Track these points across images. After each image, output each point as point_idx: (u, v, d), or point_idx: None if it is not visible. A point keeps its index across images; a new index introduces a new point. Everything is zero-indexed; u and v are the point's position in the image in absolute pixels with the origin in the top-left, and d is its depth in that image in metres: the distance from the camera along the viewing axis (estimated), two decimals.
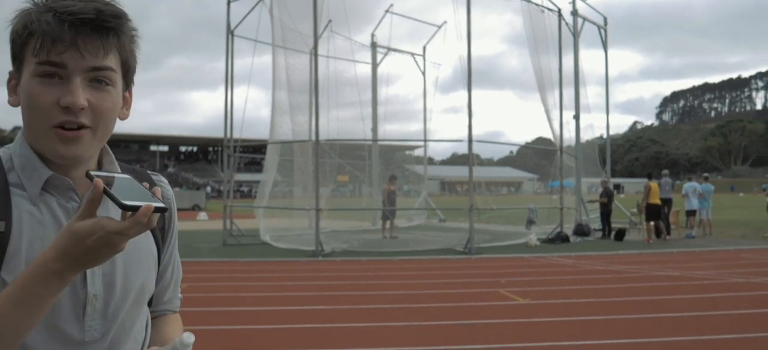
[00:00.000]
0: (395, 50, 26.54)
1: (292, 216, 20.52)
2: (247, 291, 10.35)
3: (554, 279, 11.26)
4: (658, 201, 18.71)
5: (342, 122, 22.38)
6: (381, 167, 26.49)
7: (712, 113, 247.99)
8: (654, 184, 19.05)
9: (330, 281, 11.27)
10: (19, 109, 1.23)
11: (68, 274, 1.08)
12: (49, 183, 1.23)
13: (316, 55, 16.48)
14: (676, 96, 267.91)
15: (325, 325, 7.55)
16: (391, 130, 26.08)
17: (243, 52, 20.45)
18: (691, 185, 20.27)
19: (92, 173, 1.09)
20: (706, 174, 24.06)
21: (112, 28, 1.20)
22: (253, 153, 58.22)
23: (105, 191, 1.05)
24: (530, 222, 20.62)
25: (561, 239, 17.82)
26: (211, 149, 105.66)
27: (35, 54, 1.17)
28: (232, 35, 19.07)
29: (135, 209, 1.05)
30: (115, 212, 1.12)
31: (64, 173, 1.24)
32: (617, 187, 23.85)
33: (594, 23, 24.19)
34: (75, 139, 1.19)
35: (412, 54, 27.37)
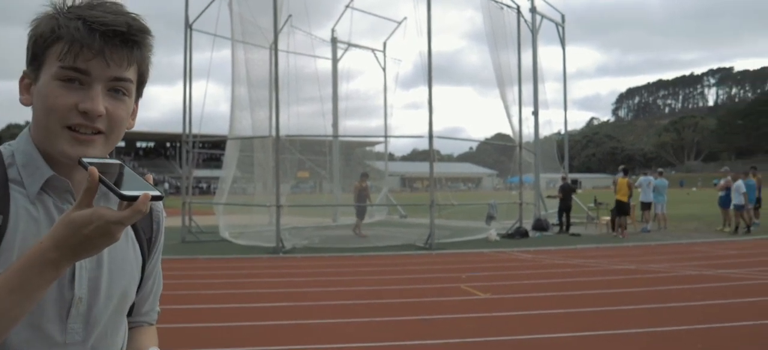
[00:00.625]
0: (356, 46, 26.54)
1: (252, 213, 20.36)
2: (207, 288, 10.25)
3: (514, 274, 11.39)
4: (624, 199, 18.99)
5: (302, 117, 22.30)
6: (342, 163, 26.46)
7: (666, 110, 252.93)
8: (623, 180, 19.36)
9: (291, 277, 11.21)
10: (13, 108, 1.24)
11: (64, 263, 1.09)
12: (48, 183, 1.24)
13: (276, 50, 16.38)
14: (631, 92, 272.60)
15: (287, 322, 7.51)
16: (351, 126, 26.13)
17: (202, 46, 20.21)
18: (646, 179, 20.71)
19: (85, 160, 1.09)
20: (660, 169, 24.59)
21: (137, 42, 1.24)
22: (211, 149, 57.65)
23: (101, 180, 1.06)
24: (490, 218, 20.81)
25: (520, 234, 18.03)
26: (169, 144, 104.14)
27: (60, 58, 1.19)
28: (191, 29, 18.82)
29: (134, 198, 1.05)
30: (113, 200, 1.15)
31: (65, 175, 1.26)
32: (575, 182, 24.22)
33: (552, 20, 24.47)
34: (88, 142, 1.21)
35: (373, 50, 27.38)
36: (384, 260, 13.36)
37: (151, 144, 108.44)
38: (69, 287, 1.23)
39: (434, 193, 16.55)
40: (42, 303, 1.18)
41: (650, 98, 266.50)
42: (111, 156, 1.25)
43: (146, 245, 1.43)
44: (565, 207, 20.44)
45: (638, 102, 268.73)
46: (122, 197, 1.05)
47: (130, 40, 1.22)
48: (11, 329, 1.11)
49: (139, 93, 1.32)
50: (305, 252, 14.84)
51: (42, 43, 1.22)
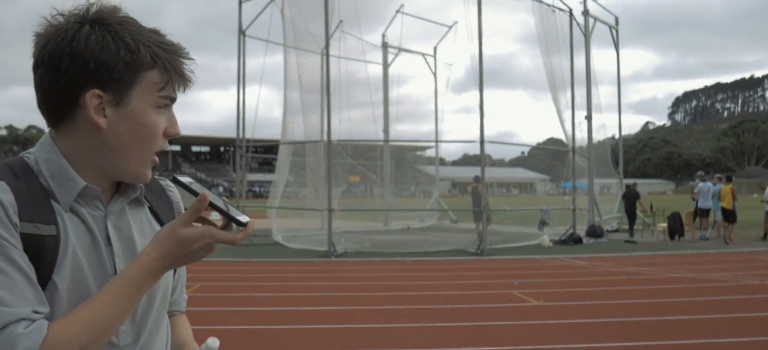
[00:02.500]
0: (406, 50, 26.55)
1: (304, 216, 20.54)
2: (260, 291, 10.37)
3: (567, 281, 11.22)
4: (729, 206, 18.68)
5: (354, 122, 22.40)
6: (392, 167, 26.49)
7: (725, 113, 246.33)
8: (727, 187, 19.04)
9: (343, 281, 11.27)
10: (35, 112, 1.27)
11: (164, 272, 1.22)
12: (80, 193, 1.26)
13: (327, 55, 16.50)
14: (688, 96, 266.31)
15: (338, 326, 7.54)
16: (402, 130, 26.10)
17: (255, 51, 20.53)
18: (705, 185, 20.12)
19: (180, 178, 1.23)
20: (719, 175, 23.90)
21: None
22: (265, 153, 58.39)
23: (211, 205, 1.19)
24: (543, 223, 20.57)
25: (574, 240, 17.75)
26: (223, 149, 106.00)
27: (160, 89, 1.26)
28: (244, 35, 19.14)
29: (245, 224, 1.20)
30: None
31: (95, 183, 1.28)
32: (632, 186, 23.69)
33: (605, 23, 24.09)
34: (153, 162, 1.31)
35: (423, 54, 27.37)
36: (435, 266, 13.31)
37: (206, 149, 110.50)
38: None
39: (486, 198, 16.42)
40: None
41: (708, 102, 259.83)
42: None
43: None
44: (627, 212, 20.32)
45: (696, 106, 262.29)
46: (239, 223, 1.20)
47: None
48: (118, 327, 1.21)
49: None
50: (357, 257, 14.89)
51: (135, 67, 1.22)
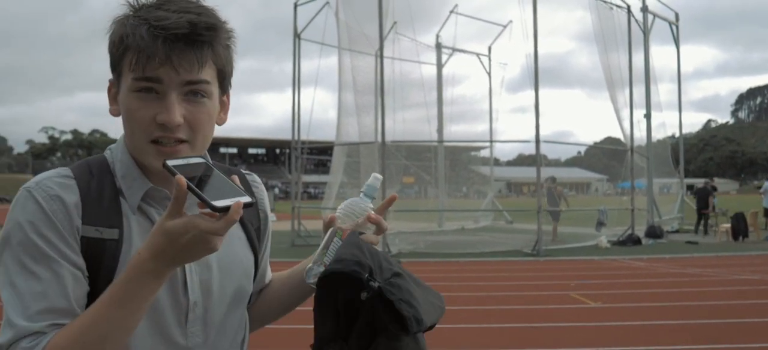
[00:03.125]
0: (460, 51, 26.44)
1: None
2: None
3: (626, 282, 11.00)
4: None
5: (408, 123, 22.37)
6: (447, 168, 26.40)
7: None
8: None
9: None
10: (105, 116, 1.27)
11: (164, 272, 1.09)
12: (147, 194, 1.24)
13: (381, 56, 16.56)
14: (752, 93, 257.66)
15: None
16: (456, 131, 25.95)
17: (309, 54, 20.74)
18: None
19: (169, 163, 1.08)
20: None
21: (206, 41, 1.18)
22: (319, 155, 58.95)
23: (190, 188, 1.03)
24: (600, 224, 20.19)
25: (632, 241, 17.40)
26: (278, 150, 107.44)
27: (132, 70, 1.16)
28: (299, 38, 19.36)
29: (226, 209, 1.03)
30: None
31: (162, 184, 1.25)
32: (691, 187, 23.08)
33: (665, 19, 23.53)
34: (172, 153, 1.18)
35: (478, 54, 27.20)
36: (490, 267, 13.23)
37: (262, 151, 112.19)
38: (183, 292, 1.24)
39: (541, 198, 16.24)
40: (161, 310, 1.20)
41: None
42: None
43: (256, 236, 1.42)
44: (698, 210, 20.68)
45: (761, 103, 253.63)
46: (214, 209, 1.03)
47: (196, 40, 1.16)
48: (127, 338, 1.13)
49: (223, 88, 1.28)
50: (411, 257, 14.90)
51: (116, 52, 1.19)
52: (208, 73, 1.21)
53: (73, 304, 1.13)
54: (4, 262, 1.14)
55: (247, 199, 1.06)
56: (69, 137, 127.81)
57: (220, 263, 1.29)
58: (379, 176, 1.35)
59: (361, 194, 1.33)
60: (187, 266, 1.23)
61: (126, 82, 1.18)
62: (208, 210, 1.04)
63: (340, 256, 1.23)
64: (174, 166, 1.07)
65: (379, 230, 1.36)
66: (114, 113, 1.24)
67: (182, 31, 1.14)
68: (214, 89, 1.24)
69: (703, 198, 21.52)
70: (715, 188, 22.67)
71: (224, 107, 1.32)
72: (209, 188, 1.07)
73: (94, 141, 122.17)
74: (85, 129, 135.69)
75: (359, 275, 1.13)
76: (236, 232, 1.35)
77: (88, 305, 1.15)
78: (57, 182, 1.18)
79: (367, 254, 1.20)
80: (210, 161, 1.18)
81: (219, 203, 1.03)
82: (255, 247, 1.41)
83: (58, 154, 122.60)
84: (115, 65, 1.21)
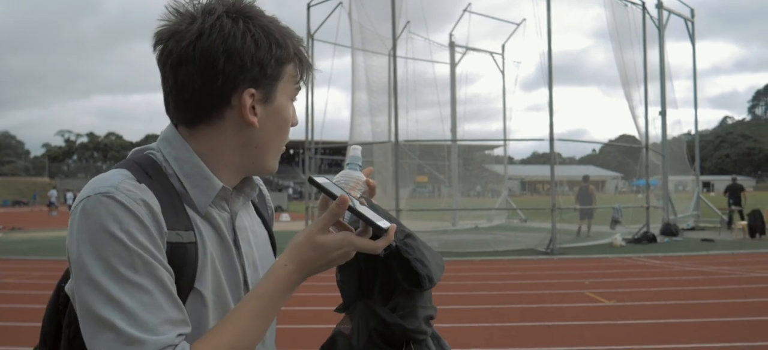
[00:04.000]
0: (474, 49, 26.40)
1: None
2: (327, 290, 10.51)
3: (641, 281, 10.95)
4: None
5: (421, 122, 22.39)
6: (460, 167, 26.38)
7: None
8: None
9: None
10: (154, 120, 1.24)
11: (301, 282, 1.14)
12: (217, 195, 1.21)
13: (394, 56, 16.58)
14: None
15: None
16: (470, 130, 25.95)
17: (323, 54, 20.79)
18: None
19: (316, 179, 1.15)
20: None
21: None
22: (333, 155, 59.05)
23: (351, 208, 1.11)
24: (615, 222, 20.10)
25: (648, 239, 17.30)
26: (292, 151, 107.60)
27: (296, 81, 1.24)
28: (312, 39, 19.42)
29: (386, 230, 1.11)
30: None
31: (225, 183, 1.24)
32: (707, 185, 23.00)
33: (680, 16, 23.39)
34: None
35: (491, 53, 27.16)
36: (504, 265, 13.21)
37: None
38: (239, 268, 1.24)
39: (555, 196, 16.20)
40: (224, 290, 1.20)
41: None
42: None
43: (269, 235, 1.44)
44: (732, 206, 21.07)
45: None
46: (380, 229, 1.10)
47: None
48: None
49: None
50: None
51: (275, 61, 1.18)
52: None
53: (184, 312, 1.09)
54: (94, 278, 1.03)
55: (392, 224, 1.14)
56: (85, 139, 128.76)
57: (261, 263, 1.31)
58: (358, 147, 1.38)
59: (348, 166, 1.34)
60: (245, 265, 1.25)
61: (286, 90, 1.23)
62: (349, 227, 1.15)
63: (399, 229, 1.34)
64: (320, 183, 1.15)
65: (371, 192, 1.39)
66: (255, 124, 1.19)
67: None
68: None
69: (735, 194, 21.63)
70: (706, 186, 22.99)
71: None
72: (358, 209, 1.13)
73: (110, 144, 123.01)
74: (100, 132, 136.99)
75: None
76: (263, 233, 1.39)
77: None
78: (132, 184, 1.09)
79: (383, 215, 1.25)
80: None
81: (382, 224, 1.11)
82: (274, 243, 1.45)
83: (75, 157, 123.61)
84: (272, 74, 1.19)
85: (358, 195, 1.26)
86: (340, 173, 1.32)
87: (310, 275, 1.14)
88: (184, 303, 1.11)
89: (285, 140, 1.26)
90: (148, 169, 1.16)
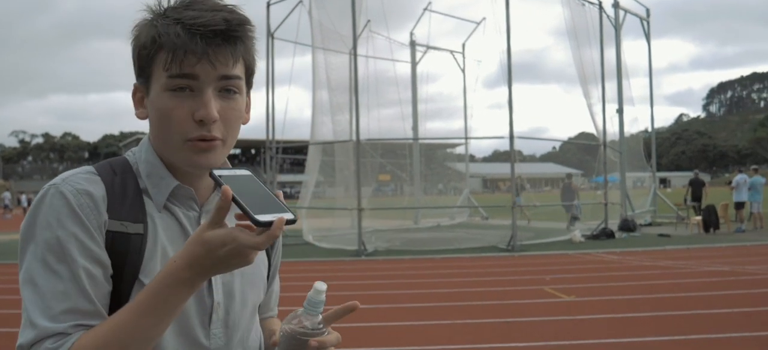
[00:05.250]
0: (434, 48, 26.51)
1: (334, 216, 20.63)
2: (291, 290, 10.43)
3: (600, 276, 11.12)
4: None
5: (383, 121, 22.42)
6: (422, 165, 26.47)
7: (762, 104, 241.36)
8: None
9: (373, 280, 11.31)
10: (114, 119, 1.23)
11: (198, 281, 1.08)
12: (173, 193, 1.25)
13: (355, 55, 16.54)
14: (723, 87, 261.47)
15: (368, 324, 7.57)
16: (432, 128, 26.07)
17: (283, 53, 20.75)
18: (741, 177, 19.83)
19: (216, 172, 1.08)
20: (755, 166, 23.50)
21: (239, 37, 1.20)
22: (295, 154, 58.69)
23: (234, 200, 1.02)
24: (574, 218, 20.38)
25: (606, 235, 17.58)
26: (253, 150, 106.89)
27: (166, 68, 1.17)
28: (272, 37, 19.28)
29: (268, 224, 1.02)
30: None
31: (188, 183, 1.27)
32: (663, 181, 23.47)
33: (636, 15, 23.80)
34: (209, 149, 1.20)
35: (452, 52, 27.29)
36: (465, 263, 13.29)
37: (237, 151, 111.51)
38: (207, 294, 1.25)
39: (578, 194, 16.33)
40: (187, 312, 1.21)
41: (744, 93, 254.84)
42: (228, 163, 1.29)
43: (268, 248, 1.43)
44: (695, 199, 21.52)
45: (731, 97, 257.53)
46: (257, 223, 1.02)
47: (231, 36, 1.18)
48: (151, 346, 1.11)
49: (249, 85, 1.30)
50: (387, 255, 14.93)
51: (146, 54, 1.19)
52: (239, 69, 1.23)
53: (97, 305, 1.12)
54: (27, 260, 1.12)
55: (289, 216, 1.05)
56: (40, 140, 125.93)
57: (242, 269, 1.24)
58: (323, 287, 1.26)
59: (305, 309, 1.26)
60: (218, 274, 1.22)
61: (159, 82, 1.19)
62: (248, 223, 1.03)
63: None
64: (220, 176, 1.07)
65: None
66: (141, 116, 1.26)
67: (219, 28, 1.16)
68: (243, 84, 1.26)
69: (697, 189, 22.20)
70: (663, 182, 23.80)
71: (248, 106, 1.32)
72: (253, 202, 1.04)
73: (66, 144, 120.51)
74: (57, 132, 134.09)
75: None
76: None
77: (111, 303, 1.16)
78: (83, 177, 1.18)
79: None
80: (255, 173, 1.16)
81: (262, 218, 1.02)
82: (269, 258, 1.46)
83: (30, 158, 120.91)
84: (144, 67, 1.21)
85: (319, 321, 1.25)
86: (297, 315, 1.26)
87: (203, 272, 1.06)
88: (129, 291, 1.15)
89: (173, 133, 1.19)
90: (116, 168, 1.24)
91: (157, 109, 1.20)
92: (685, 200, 22.20)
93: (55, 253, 1.11)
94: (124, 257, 1.16)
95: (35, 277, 1.10)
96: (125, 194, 1.20)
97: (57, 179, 1.17)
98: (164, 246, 1.21)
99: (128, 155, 1.28)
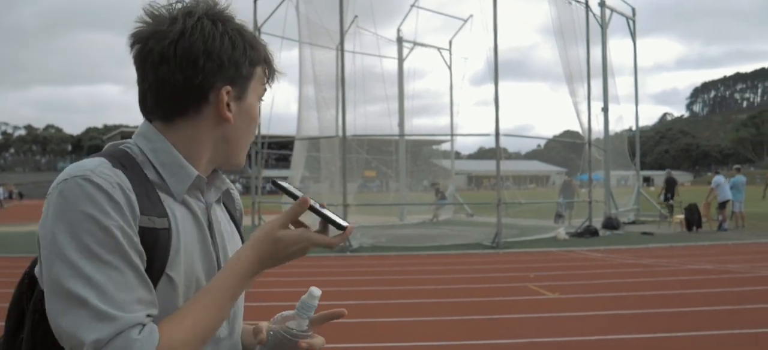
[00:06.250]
0: (421, 45, 26.53)
1: None
2: (276, 286, 10.43)
3: (583, 273, 11.19)
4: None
5: (369, 117, 22.45)
6: (408, 162, 26.50)
7: (745, 104, 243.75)
8: None
9: (358, 276, 11.31)
10: (95, 112, 1.25)
11: (260, 273, 1.22)
12: (193, 183, 1.27)
13: (342, 50, 16.54)
14: (707, 87, 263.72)
15: (353, 320, 7.57)
16: (418, 125, 26.13)
17: (270, 47, 20.63)
18: (720, 178, 20.05)
19: (282, 183, 1.26)
20: (737, 166, 23.72)
21: None
22: (280, 149, 58.48)
23: (312, 208, 1.21)
24: (559, 216, 20.50)
25: (590, 232, 17.69)
26: None
27: (265, 82, 1.35)
28: (259, 32, 19.20)
29: (344, 228, 1.22)
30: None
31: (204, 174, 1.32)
32: (647, 180, 23.67)
33: (622, 14, 23.93)
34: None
35: (439, 48, 27.32)
36: (450, 259, 13.32)
37: None
38: None
39: (501, 191, 16.41)
40: None
41: (727, 92, 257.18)
42: None
43: (239, 233, 1.48)
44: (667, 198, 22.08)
45: (714, 96, 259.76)
46: (338, 227, 1.21)
47: None
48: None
49: None
50: (372, 251, 14.93)
51: (248, 62, 1.28)
52: None
53: (154, 293, 1.13)
54: (68, 256, 1.06)
55: (349, 223, 1.24)
56: (23, 132, 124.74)
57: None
58: (318, 292, 1.32)
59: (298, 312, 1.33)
60: (219, 255, 1.31)
61: (256, 90, 1.33)
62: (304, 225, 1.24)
63: None
64: (285, 186, 1.26)
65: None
66: (231, 120, 1.28)
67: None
68: None
69: (671, 187, 22.48)
70: (647, 181, 24.26)
71: None
72: (319, 209, 1.23)
73: (49, 137, 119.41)
74: (39, 124, 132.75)
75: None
76: (233, 230, 1.44)
77: None
78: (109, 169, 1.14)
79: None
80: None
81: (342, 222, 1.22)
82: (242, 236, 1.49)
83: (12, 150, 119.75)
84: (243, 74, 1.28)
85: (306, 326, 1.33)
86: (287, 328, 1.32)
87: (268, 267, 1.21)
88: (155, 286, 1.15)
89: (252, 137, 1.35)
90: (122, 160, 1.20)
91: (253, 117, 1.33)
92: (666, 198, 22.41)
93: (105, 245, 1.07)
94: (152, 253, 1.15)
95: (87, 271, 1.05)
96: (144, 188, 1.19)
97: (80, 170, 1.12)
98: (185, 239, 1.22)
99: (128, 148, 1.25)
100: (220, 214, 1.37)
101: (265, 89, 1.36)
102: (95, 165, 1.13)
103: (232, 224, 1.43)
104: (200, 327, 1.14)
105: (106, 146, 1.27)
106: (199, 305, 1.15)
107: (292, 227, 1.22)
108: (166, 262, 1.17)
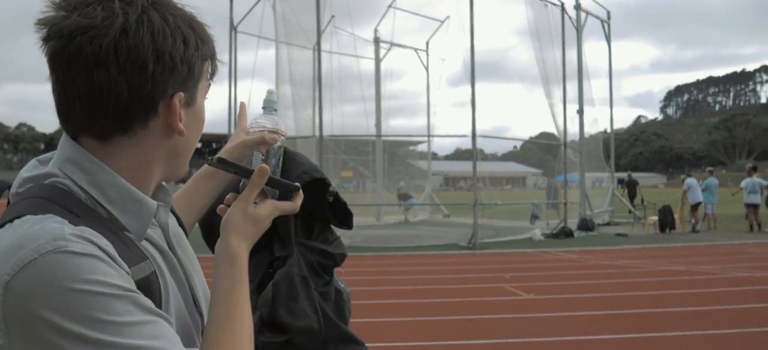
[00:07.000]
0: (398, 45, 26.55)
1: None
2: None
3: (558, 274, 11.26)
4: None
5: (346, 117, 22.44)
6: (385, 162, 26.50)
7: (717, 107, 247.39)
8: None
9: None
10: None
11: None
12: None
13: (319, 50, 16.49)
14: (680, 90, 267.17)
15: None
16: (395, 125, 26.17)
17: (247, 46, 20.65)
18: (692, 181, 20.30)
19: (228, 159, 1.15)
20: (710, 168, 24.04)
21: None
22: None
23: (270, 178, 1.13)
24: (534, 217, 20.62)
25: (565, 234, 17.81)
26: (215, 145, 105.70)
27: (210, 77, 1.09)
28: (235, 31, 19.09)
29: (297, 187, 1.18)
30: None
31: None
32: (621, 181, 23.92)
33: (597, 17, 24.13)
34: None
35: (415, 49, 27.36)
36: (427, 260, 13.34)
37: (198, 145, 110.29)
38: (196, 311, 1.14)
39: (477, 192, 16.46)
40: (190, 332, 1.09)
41: (700, 96, 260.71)
42: None
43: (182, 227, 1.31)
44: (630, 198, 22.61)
45: (687, 100, 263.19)
46: (294, 189, 1.18)
47: None
48: None
49: None
50: (349, 251, 14.84)
51: (201, 59, 1.03)
52: None
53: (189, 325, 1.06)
54: (80, 335, 0.82)
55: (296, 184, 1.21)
56: None
57: (191, 261, 1.19)
58: (273, 90, 1.46)
59: (264, 111, 1.45)
60: (188, 274, 1.12)
61: (204, 89, 1.09)
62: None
63: (309, 168, 1.78)
64: (232, 162, 1.15)
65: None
66: (184, 132, 1.03)
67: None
68: None
69: (631, 188, 22.87)
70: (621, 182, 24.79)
71: None
72: (274, 177, 1.17)
73: (21, 135, 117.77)
74: (11, 122, 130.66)
75: (328, 182, 1.30)
76: (180, 230, 1.28)
77: None
78: (80, 230, 0.88)
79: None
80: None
81: (294, 184, 1.19)
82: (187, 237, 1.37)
83: None
84: (195, 74, 1.04)
85: (278, 141, 1.35)
86: (259, 117, 1.42)
87: (251, 244, 1.14)
88: None
89: (196, 141, 1.12)
90: (70, 207, 0.93)
91: (202, 120, 1.11)
92: (642, 201, 22.67)
93: (125, 310, 0.86)
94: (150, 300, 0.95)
95: (117, 340, 0.84)
96: (113, 234, 0.95)
97: (42, 245, 0.84)
98: (165, 273, 1.03)
99: (62, 186, 0.97)
100: (172, 224, 1.17)
101: (210, 85, 1.10)
102: (56, 229, 0.86)
103: (178, 224, 1.23)
104: (244, 335, 1.05)
105: (23, 189, 0.99)
106: (238, 318, 1.06)
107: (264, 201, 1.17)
108: (161, 307, 0.97)
